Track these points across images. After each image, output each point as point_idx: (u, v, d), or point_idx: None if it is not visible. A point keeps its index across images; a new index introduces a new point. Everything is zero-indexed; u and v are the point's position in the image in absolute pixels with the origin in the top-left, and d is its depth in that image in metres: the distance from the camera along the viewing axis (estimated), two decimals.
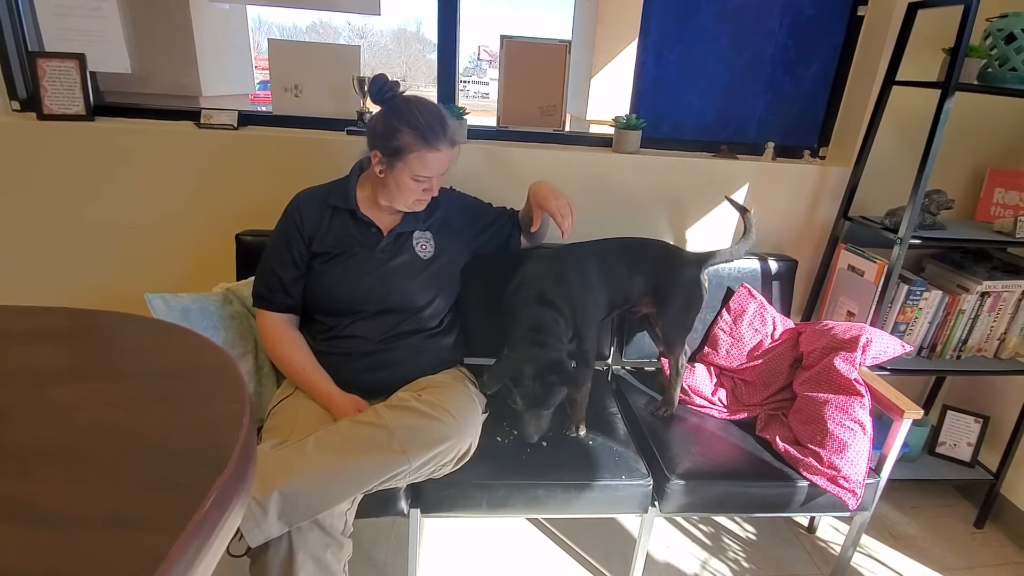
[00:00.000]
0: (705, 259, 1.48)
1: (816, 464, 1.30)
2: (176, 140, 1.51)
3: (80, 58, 1.48)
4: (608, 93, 6.59)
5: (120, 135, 1.50)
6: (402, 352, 1.25)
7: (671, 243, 1.56)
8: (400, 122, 1.14)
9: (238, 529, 0.88)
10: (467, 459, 1.08)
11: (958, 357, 1.67)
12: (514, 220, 1.46)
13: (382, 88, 1.17)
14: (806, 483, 1.31)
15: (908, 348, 1.41)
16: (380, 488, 0.99)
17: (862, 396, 1.31)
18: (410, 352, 1.26)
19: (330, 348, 1.23)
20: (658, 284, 1.43)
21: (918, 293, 1.56)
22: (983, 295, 1.59)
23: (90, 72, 1.52)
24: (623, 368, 1.76)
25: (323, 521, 0.94)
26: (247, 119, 1.58)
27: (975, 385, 1.88)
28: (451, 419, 1.01)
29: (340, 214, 1.26)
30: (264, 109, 1.75)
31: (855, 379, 1.33)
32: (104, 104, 1.60)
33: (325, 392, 1.16)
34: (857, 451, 1.29)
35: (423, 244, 1.31)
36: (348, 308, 1.24)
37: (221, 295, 1.35)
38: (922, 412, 1.26)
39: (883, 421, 1.36)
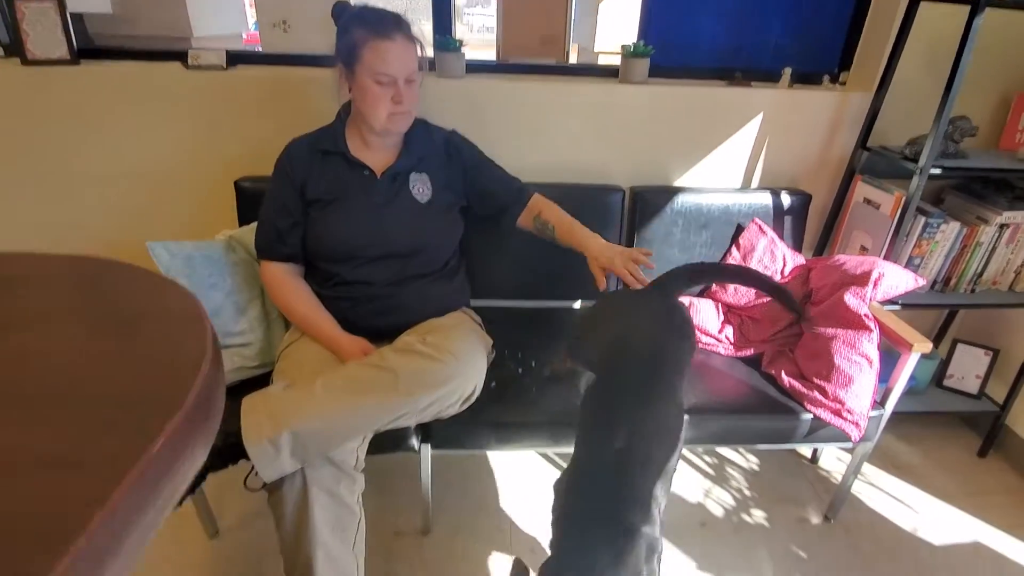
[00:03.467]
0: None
1: (821, 398, 1.31)
2: (164, 81, 1.46)
3: None
4: (618, 22, 6.24)
5: (106, 78, 1.45)
6: (408, 296, 1.25)
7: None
8: (350, 22, 1.13)
9: (252, 466, 0.91)
10: (472, 400, 1.10)
11: (972, 291, 1.64)
12: (519, 198, 1.37)
13: (341, 13, 1.16)
14: (810, 416, 1.32)
15: (921, 282, 1.38)
16: (388, 427, 1.01)
17: (870, 331, 1.30)
18: (415, 296, 1.26)
19: (336, 293, 1.23)
20: None
21: (935, 226, 1.52)
22: (1002, 227, 1.53)
23: (75, 15, 1.46)
24: None
25: (335, 457, 0.97)
26: (236, 58, 1.52)
27: (988, 319, 1.86)
28: (455, 361, 1.02)
29: (331, 158, 1.23)
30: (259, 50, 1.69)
31: (864, 314, 1.31)
32: (91, 47, 1.54)
33: (330, 336, 1.17)
34: (863, 385, 1.29)
35: (420, 187, 1.28)
36: (349, 254, 1.23)
37: (224, 242, 1.34)
38: (931, 346, 1.25)
39: (891, 355, 1.35)
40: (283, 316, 1.36)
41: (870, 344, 1.30)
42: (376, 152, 1.25)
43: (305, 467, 0.94)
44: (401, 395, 0.96)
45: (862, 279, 1.35)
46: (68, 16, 1.43)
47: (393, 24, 1.11)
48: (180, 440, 0.26)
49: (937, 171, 1.38)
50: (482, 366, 1.08)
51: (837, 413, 1.29)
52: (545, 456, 1.73)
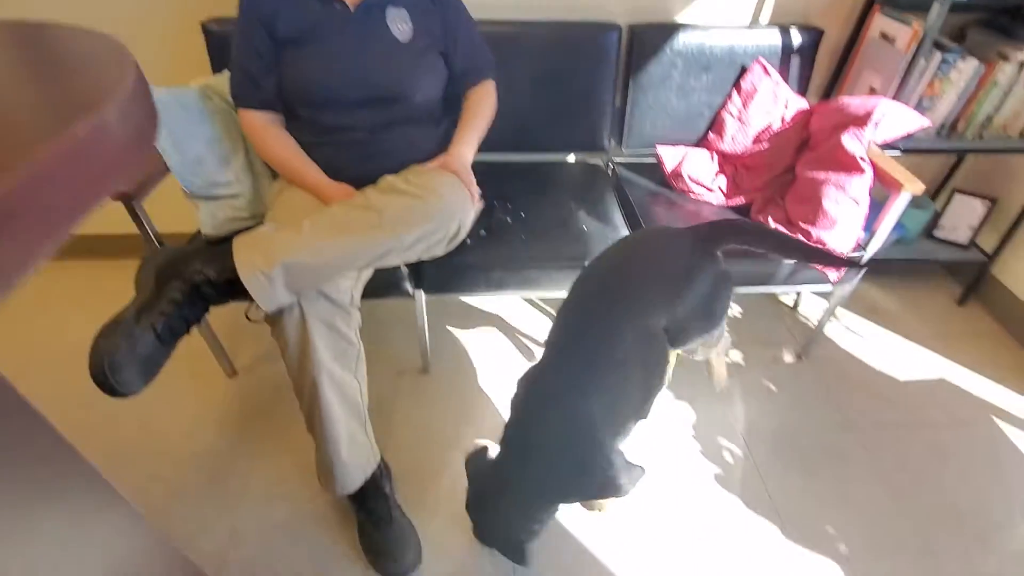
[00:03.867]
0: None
1: (804, 241, 1.33)
2: None
3: None
4: None
5: None
6: (392, 141, 1.23)
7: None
8: None
9: (252, 299, 0.97)
10: (457, 240, 1.13)
11: (980, 136, 1.58)
12: (475, 74, 1.30)
13: None
14: (791, 259, 1.35)
15: (927, 122, 1.33)
16: (376, 265, 1.05)
17: (863, 173, 1.28)
18: (400, 141, 1.24)
19: (318, 140, 1.21)
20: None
21: (951, 62, 1.42)
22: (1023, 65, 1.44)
23: None
24: (622, 161, 1.72)
25: (329, 293, 1.03)
26: None
27: (990, 169, 1.81)
28: (438, 199, 1.03)
29: None
30: None
31: (860, 157, 1.28)
32: None
33: (314, 183, 1.17)
34: (847, 228, 1.31)
35: (399, 24, 1.19)
36: (327, 98, 1.18)
37: (198, 89, 1.29)
38: (922, 187, 1.24)
39: (882, 204, 1.34)
40: (268, 167, 1.36)
41: (861, 187, 1.29)
42: None
43: (301, 300, 1.00)
44: (385, 232, 0.98)
45: (863, 120, 1.30)
46: None
47: None
48: (102, 134, 0.25)
49: None
50: (466, 206, 1.09)
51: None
52: (531, 303, 1.82)
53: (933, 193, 1.93)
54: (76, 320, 1.69)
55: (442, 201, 1.03)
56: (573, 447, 0.92)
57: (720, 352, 1.23)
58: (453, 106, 1.35)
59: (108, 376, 0.84)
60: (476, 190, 1.16)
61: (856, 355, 1.68)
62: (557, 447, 0.92)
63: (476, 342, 1.69)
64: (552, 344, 0.98)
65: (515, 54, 1.47)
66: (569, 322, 0.98)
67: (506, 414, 1.01)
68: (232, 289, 0.95)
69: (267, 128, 1.18)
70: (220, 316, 1.69)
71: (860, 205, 1.29)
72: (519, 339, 1.70)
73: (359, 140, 1.20)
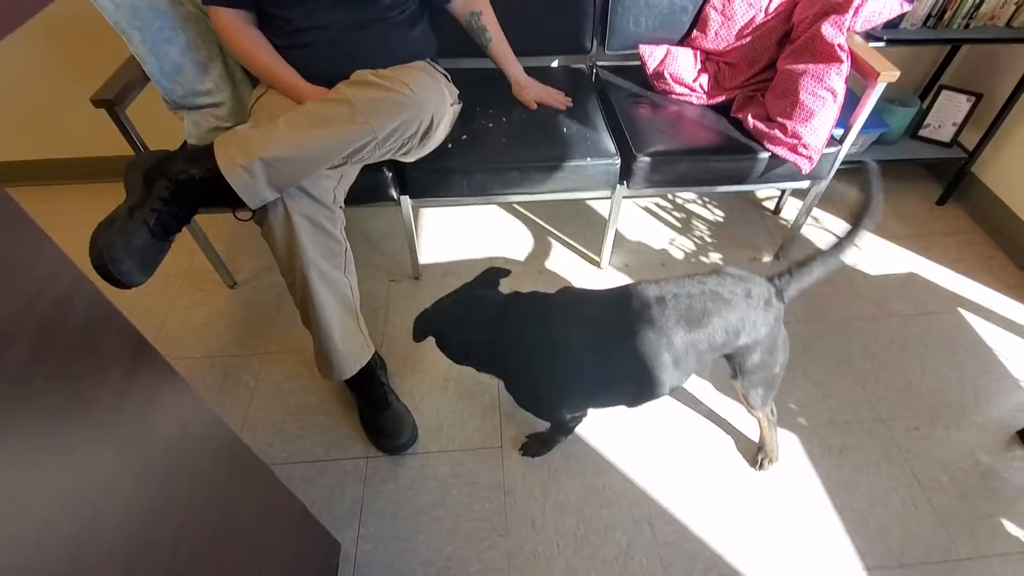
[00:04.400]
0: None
1: (780, 135, 1.35)
2: None
3: None
4: None
5: None
6: (367, 43, 1.23)
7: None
8: None
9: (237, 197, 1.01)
10: (433, 135, 1.16)
11: (967, 26, 1.54)
12: None
13: None
14: (767, 154, 1.38)
15: (908, 6, 1.31)
16: (354, 160, 1.08)
17: (841, 62, 1.28)
18: (375, 41, 1.23)
19: (292, 42, 1.21)
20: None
21: None
22: None
23: None
24: (605, 65, 1.70)
25: (311, 190, 1.07)
26: None
27: (977, 63, 1.78)
28: (409, 91, 1.05)
29: None
30: None
31: (839, 44, 1.28)
32: None
33: (291, 84, 1.18)
34: (823, 119, 1.32)
35: None
36: None
37: None
38: (898, 72, 1.24)
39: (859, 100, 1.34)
40: (247, 76, 1.36)
41: (838, 77, 1.29)
42: None
43: (284, 198, 1.04)
44: (359, 124, 1.01)
45: (844, 6, 1.28)
46: None
47: None
48: None
49: None
50: (439, 98, 1.11)
51: (793, 148, 1.35)
52: (511, 210, 1.86)
53: (923, 92, 1.91)
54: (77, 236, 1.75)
55: (414, 93, 1.05)
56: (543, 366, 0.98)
57: (771, 420, 1.21)
58: (429, 10, 1.33)
59: (109, 267, 0.91)
60: (562, 97, 1.46)
61: None
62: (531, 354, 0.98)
63: (462, 249, 1.75)
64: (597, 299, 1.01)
65: None
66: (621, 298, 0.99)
67: None
68: (217, 187, 0.99)
69: (240, 28, 1.17)
70: (217, 229, 1.75)
71: (837, 97, 1.30)
72: (504, 246, 1.76)
73: (332, 40, 1.20)
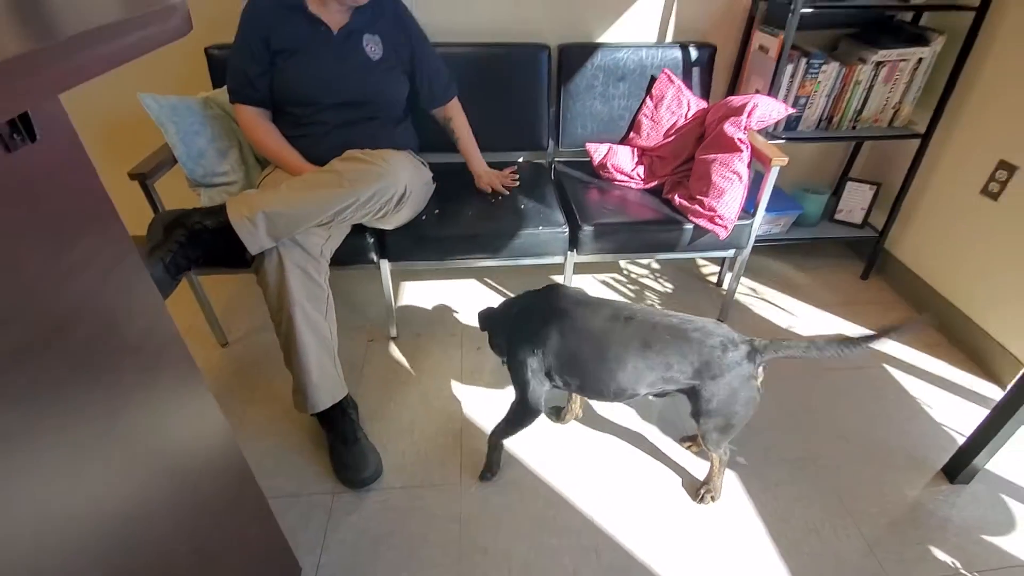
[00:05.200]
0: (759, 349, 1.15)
1: (700, 209, 1.62)
2: None
3: None
4: None
5: None
6: (358, 136, 1.52)
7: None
8: None
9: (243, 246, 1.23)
10: (406, 202, 1.40)
11: (854, 127, 1.89)
12: (445, 95, 1.68)
13: None
14: (691, 225, 1.63)
15: (791, 110, 1.64)
16: (340, 218, 1.31)
17: (741, 152, 1.58)
18: (365, 136, 1.52)
19: (299, 133, 1.50)
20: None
21: (817, 66, 1.74)
22: (878, 65, 1.76)
23: None
24: (561, 160, 2.02)
25: (303, 242, 1.29)
26: None
27: (875, 157, 2.13)
28: (387, 164, 1.31)
29: (292, 14, 1.44)
30: None
31: (738, 139, 1.58)
32: None
33: (296, 165, 1.45)
34: (732, 196, 1.59)
35: (372, 47, 1.51)
36: (310, 99, 1.48)
37: (202, 99, 1.60)
38: (786, 159, 1.53)
39: (781, 196, 1.63)
40: (258, 163, 1.65)
41: (740, 163, 1.58)
42: (332, 12, 1.46)
43: (279, 246, 1.26)
44: (345, 188, 1.26)
45: (740, 110, 1.60)
46: None
47: None
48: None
49: (808, 11, 1.59)
50: (412, 171, 1.37)
51: (711, 220, 1.60)
52: (483, 281, 2.08)
53: (836, 184, 2.23)
54: None
55: (391, 165, 1.32)
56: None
57: (723, 461, 1.32)
58: (412, 112, 1.66)
59: None
60: (512, 182, 1.75)
61: (767, 318, 1.94)
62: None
63: (437, 314, 1.94)
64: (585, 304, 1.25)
65: (468, 71, 1.79)
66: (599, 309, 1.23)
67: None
68: (225, 236, 1.21)
69: (258, 121, 1.47)
70: (217, 291, 1.95)
71: (742, 179, 1.58)
72: (472, 310, 1.94)
73: (332, 133, 1.50)
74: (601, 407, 1.59)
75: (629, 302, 1.28)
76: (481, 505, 1.33)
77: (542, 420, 1.55)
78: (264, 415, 1.55)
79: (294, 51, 1.45)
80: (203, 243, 1.22)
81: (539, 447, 1.47)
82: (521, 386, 1.28)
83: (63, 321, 0.52)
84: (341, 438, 1.38)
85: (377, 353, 1.78)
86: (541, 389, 1.27)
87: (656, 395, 1.26)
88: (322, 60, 1.46)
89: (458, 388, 1.65)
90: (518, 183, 1.77)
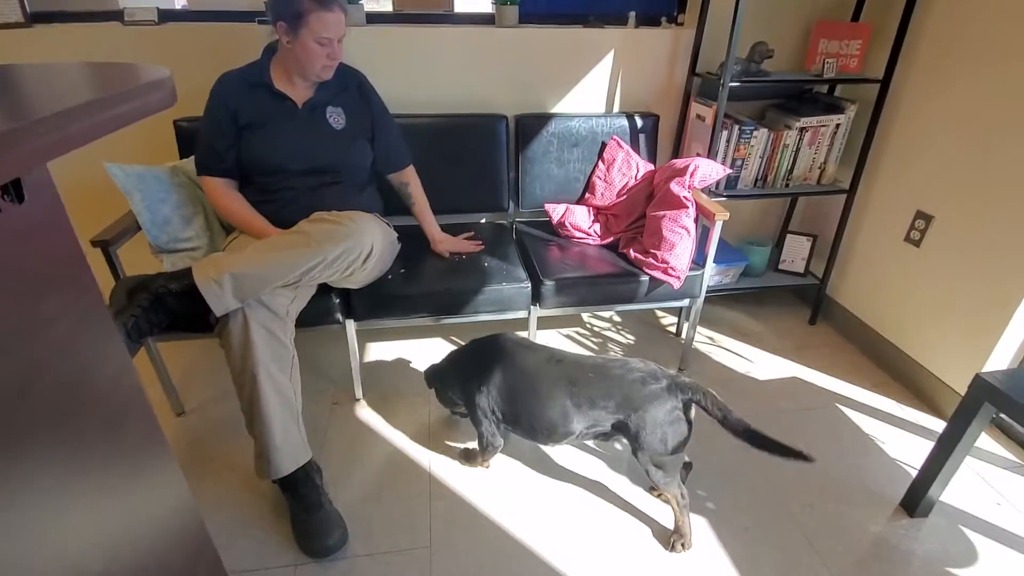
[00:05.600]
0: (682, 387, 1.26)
1: (654, 261, 1.71)
2: (106, 38, 1.72)
3: None
4: None
5: (57, 38, 1.71)
6: (324, 200, 1.57)
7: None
8: None
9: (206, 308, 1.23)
10: (372, 258, 1.43)
11: (787, 185, 2.07)
12: (400, 163, 1.76)
13: None
14: (647, 277, 1.72)
15: (728, 170, 1.79)
16: (307, 278, 1.33)
17: (687, 207, 1.70)
18: (331, 200, 1.57)
19: (266, 198, 1.54)
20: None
21: (748, 132, 1.93)
22: (802, 130, 1.96)
23: None
24: (521, 220, 2.12)
25: (268, 303, 1.30)
26: (167, 16, 1.79)
27: (810, 211, 2.31)
28: (352, 224, 1.36)
29: (258, 90, 1.52)
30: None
31: (684, 196, 1.71)
32: (40, 12, 1.77)
33: (264, 230, 1.48)
34: (682, 248, 1.70)
35: (335, 117, 1.60)
36: (277, 168, 1.54)
37: (169, 168, 1.63)
38: (727, 215, 1.66)
39: (728, 249, 1.75)
40: (223, 228, 1.67)
41: (688, 218, 1.70)
42: (298, 89, 1.55)
43: (245, 307, 1.26)
44: (312, 248, 1.29)
45: (683, 171, 1.74)
46: None
47: None
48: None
49: (736, 85, 1.78)
50: (377, 232, 1.42)
51: (664, 271, 1.70)
52: (450, 340, 2.10)
53: (778, 236, 2.40)
54: None
55: (357, 225, 1.36)
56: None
57: (680, 503, 1.33)
58: (374, 177, 1.73)
59: None
60: (475, 246, 1.82)
61: (725, 364, 2.01)
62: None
63: (403, 377, 1.93)
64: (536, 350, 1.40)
65: (433, 139, 1.90)
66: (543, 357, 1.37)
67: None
68: (190, 299, 1.21)
69: (224, 190, 1.51)
70: (174, 359, 1.89)
71: (690, 232, 1.70)
72: None
73: (298, 198, 1.54)
74: (568, 457, 1.59)
75: (566, 350, 1.42)
76: (453, 568, 1.29)
77: (515, 476, 1.54)
78: (222, 486, 1.49)
79: (262, 124, 1.52)
80: (166, 307, 1.21)
81: (511, 504, 1.45)
82: (476, 425, 1.41)
83: (33, 373, 0.52)
84: (304, 505, 1.33)
85: (342, 416, 1.74)
86: (493, 428, 1.39)
87: (597, 437, 1.34)
88: (287, 131, 1.53)
89: (426, 448, 1.63)
90: (482, 246, 1.84)
